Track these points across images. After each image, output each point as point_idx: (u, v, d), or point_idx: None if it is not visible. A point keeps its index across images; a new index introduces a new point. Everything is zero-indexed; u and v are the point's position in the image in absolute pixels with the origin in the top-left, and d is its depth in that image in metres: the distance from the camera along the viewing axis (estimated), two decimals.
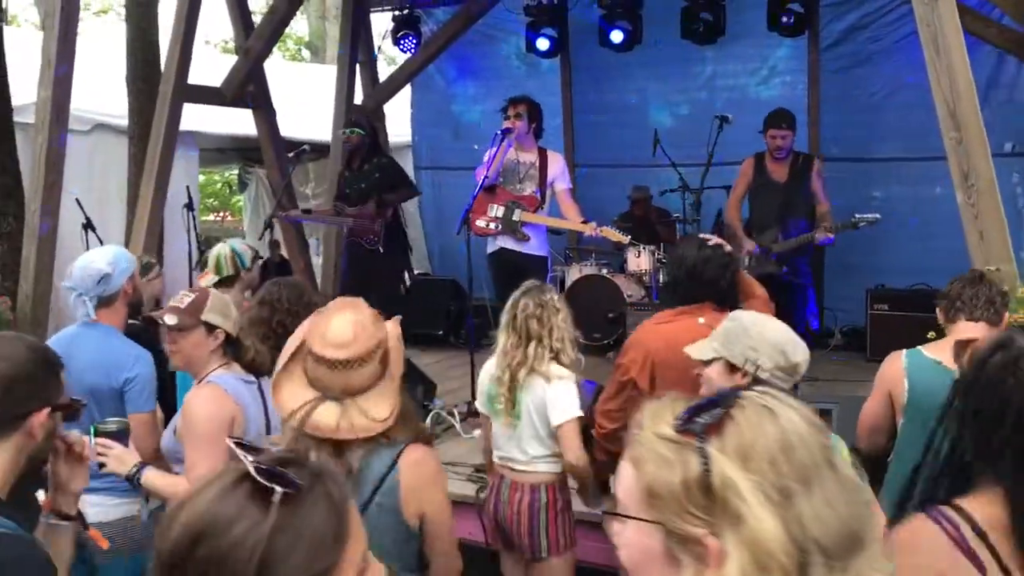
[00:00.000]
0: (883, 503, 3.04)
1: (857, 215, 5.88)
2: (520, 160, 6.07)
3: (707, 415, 1.07)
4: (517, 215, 5.98)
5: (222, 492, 1.06)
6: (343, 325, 2.10)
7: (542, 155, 6.10)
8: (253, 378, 2.96)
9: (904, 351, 3.13)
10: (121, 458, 2.75)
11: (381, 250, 6.63)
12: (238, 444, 1.13)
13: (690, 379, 3.04)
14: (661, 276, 7.80)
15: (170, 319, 2.91)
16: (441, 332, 8.07)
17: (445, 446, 4.91)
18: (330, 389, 2.07)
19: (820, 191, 6.28)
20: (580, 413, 3.19)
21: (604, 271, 7.90)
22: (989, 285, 3.13)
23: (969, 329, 3.02)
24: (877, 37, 7.86)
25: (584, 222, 5.99)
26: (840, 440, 2.23)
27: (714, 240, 3.37)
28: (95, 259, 3.32)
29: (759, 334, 2.39)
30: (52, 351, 1.87)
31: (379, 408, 2.07)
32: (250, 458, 1.07)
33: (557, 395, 3.17)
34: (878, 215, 5.84)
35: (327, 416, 2.05)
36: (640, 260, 7.75)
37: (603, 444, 3.21)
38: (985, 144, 3.97)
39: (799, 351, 2.38)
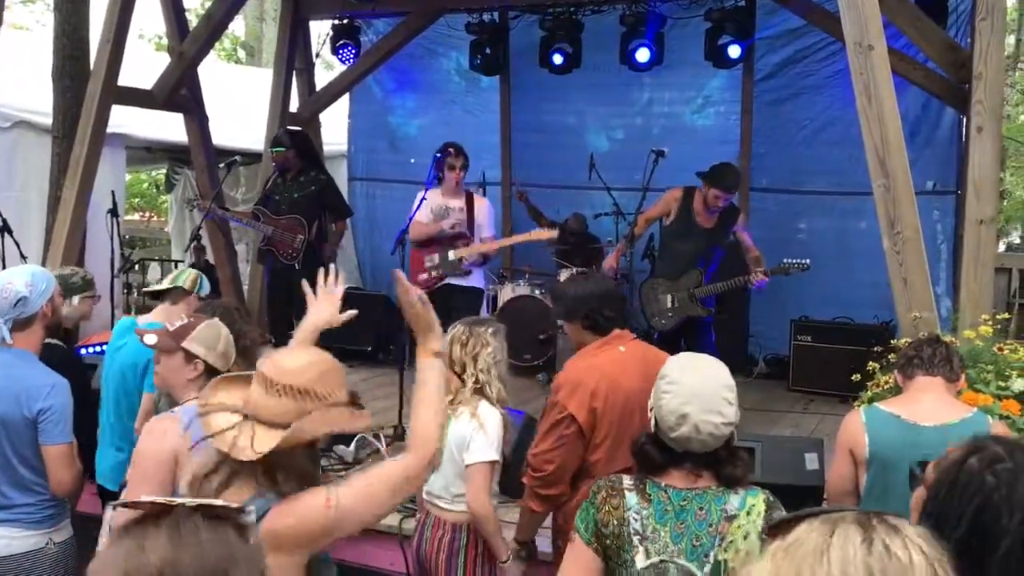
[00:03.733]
0: None
1: (787, 260, 5.89)
2: (449, 206, 6.17)
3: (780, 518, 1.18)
4: (452, 255, 6.10)
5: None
6: (300, 358, 2.07)
7: (468, 199, 6.22)
8: None
9: (861, 408, 3.16)
10: None
11: (296, 267, 6.56)
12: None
13: (631, 410, 3.05)
14: None
15: (149, 339, 2.92)
16: (370, 348, 7.98)
17: None
18: (248, 405, 2.04)
19: (749, 240, 6.10)
20: (494, 458, 3.12)
21: (536, 292, 7.91)
22: (946, 346, 3.17)
23: (926, 383, 3.07)
24: (809, 72, 8.04)
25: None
26: (758, 494, 2.20)
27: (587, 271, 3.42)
28: (12, 280, 3.17)
29: None
30: None
31: (263, 443, 1.97)
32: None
33: (474, 435, 3.12)
34: (808, 261, 5.84)
35: (223, 421, 2.01)
36: None
37: (536, 491, 3.10)
38: (911, 193, 4.08)
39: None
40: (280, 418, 2.01)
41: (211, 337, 2.94)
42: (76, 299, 4.15)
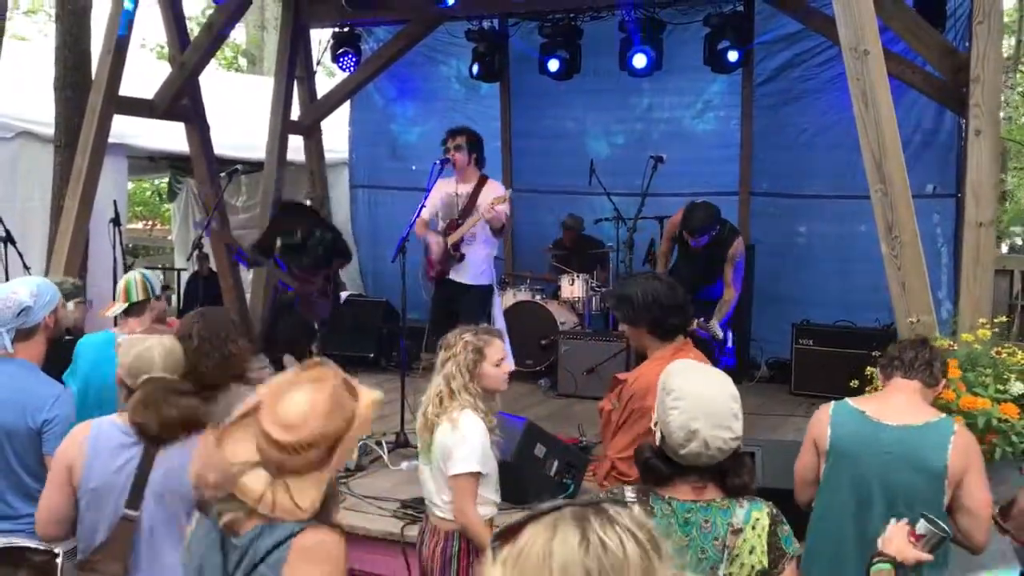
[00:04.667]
0: (810, 544, 3.12)
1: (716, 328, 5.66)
2: (458, 192, 6.08)
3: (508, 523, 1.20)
4: (448, 243, 6.06)
5: None
6: (297, 404, 1.96)
7: (480, 183, 6.08)
8: (132, 436, 2.75)
9: (832, 403, 3.19)
10: None
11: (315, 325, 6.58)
12: None
13: None
14: (594, 303, 7.88)
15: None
16: (372, 355, 7.99)
17: (371, 479, 4.84)
18: (269, 462, 1.99)
19: (731, 277, 6.05)
20: (475, 469, 3.08)
21: (538, 297, 7.93)
22: (931, 349, 3.19)
23: (900, 385, 3.10)
24: (808, 76, 8.06)
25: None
26: (762, 507, 2.19)
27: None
28: (17, 290, 3.20)
29: None
30: None
31: (305, 496, 1.97)
32: None
33: (456, 445, 3.08)
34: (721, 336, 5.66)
35: (255, 482, 1.98)
36: (573, 288, 7.82)
37: None
38: (909, 197, 4.09)
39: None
40: (311, 467, 1.98)
41: (123, 352, 2.87)
42: (71, 304, 4.18)
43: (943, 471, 2.90)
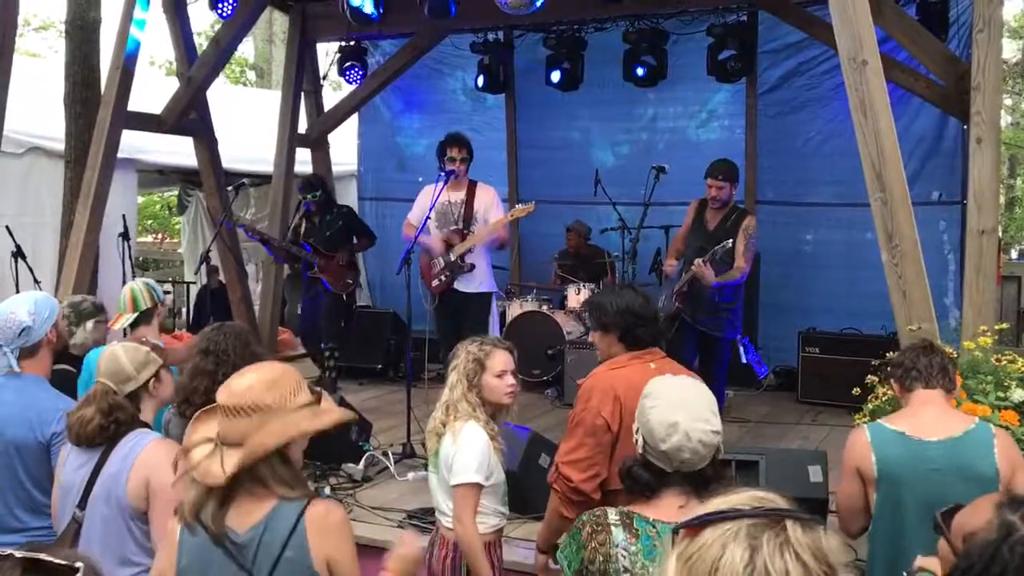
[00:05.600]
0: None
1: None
2: (451, 200, 6.15)
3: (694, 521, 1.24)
4: (452, 254, 6.09)
5: None
6: (250, 376, 2.17)
7: (471, 189, 6.17)
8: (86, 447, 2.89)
9: (865, 426, 3.13)
10: None
11: (344, 297, 7.24)
12: None
13: None
14: None
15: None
16: (380, 366, 8.03)
17: (378, 489, 4.87)
18: (218, 434, 2.14)
19: (742, 248, 5.97)
20: (474, 480, 3.07)
21: (544, 307, 7.96)
22: (940, 353, 3.16)
23: (926, 397, 3.07)
24: (812, 85, 8.08)
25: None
26: None
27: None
28: (15, 309, 3.24)
29: None
30: None
31: (230, 463, 2.08)
32: None
33: (456, 455, 3.10)
34: (730, 243, 5.76)
35: (199, 452, 2.14)
36: (579, 297, 7.83)
37: (570, 497, 3.00)
38: (909, 206, 4.10)
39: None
40: (241, 437, 2.10)
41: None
42: (90, 324, 4.20)
43: (995, 476, 2.86)
